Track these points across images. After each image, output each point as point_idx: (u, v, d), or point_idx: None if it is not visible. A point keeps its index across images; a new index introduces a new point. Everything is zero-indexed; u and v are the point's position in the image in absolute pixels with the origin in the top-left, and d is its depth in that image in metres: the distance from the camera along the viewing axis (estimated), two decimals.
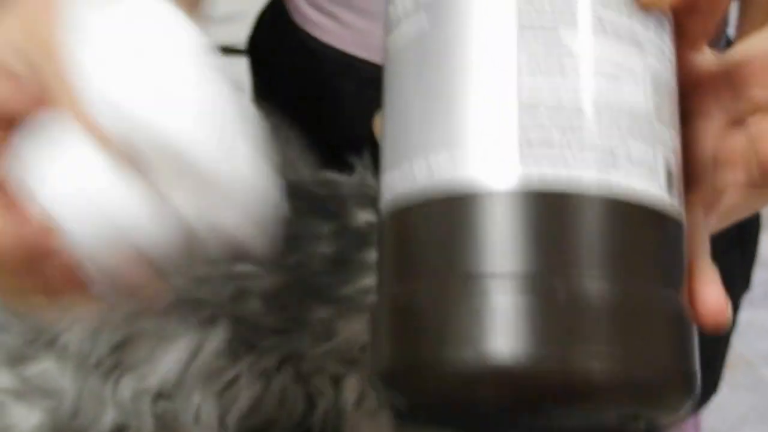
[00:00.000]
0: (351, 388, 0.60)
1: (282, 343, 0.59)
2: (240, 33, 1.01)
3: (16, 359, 0.61)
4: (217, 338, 0.58)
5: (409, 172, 0.38)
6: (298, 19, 0.87)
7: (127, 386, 0.59)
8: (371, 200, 0.60)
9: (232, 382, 0.58)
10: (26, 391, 0.61)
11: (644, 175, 0.37)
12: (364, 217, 0.60)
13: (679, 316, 0.38)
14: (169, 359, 0.58)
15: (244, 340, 0.58)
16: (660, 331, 0.37)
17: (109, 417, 0.59)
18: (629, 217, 0.37)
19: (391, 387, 0.39)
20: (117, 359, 0.59)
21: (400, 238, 0.39)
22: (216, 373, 0.58)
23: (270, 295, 0.58)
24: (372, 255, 0.58)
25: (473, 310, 0.35)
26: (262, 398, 0.59)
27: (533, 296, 0.35)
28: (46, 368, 0.60)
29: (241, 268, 0.58)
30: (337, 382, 0.60)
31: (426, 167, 0.38)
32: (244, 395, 0.58)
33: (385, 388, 0.39)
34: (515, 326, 0.35)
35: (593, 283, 0.35)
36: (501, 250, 0.35)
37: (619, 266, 0.36)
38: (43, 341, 0.60)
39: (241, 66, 0.94)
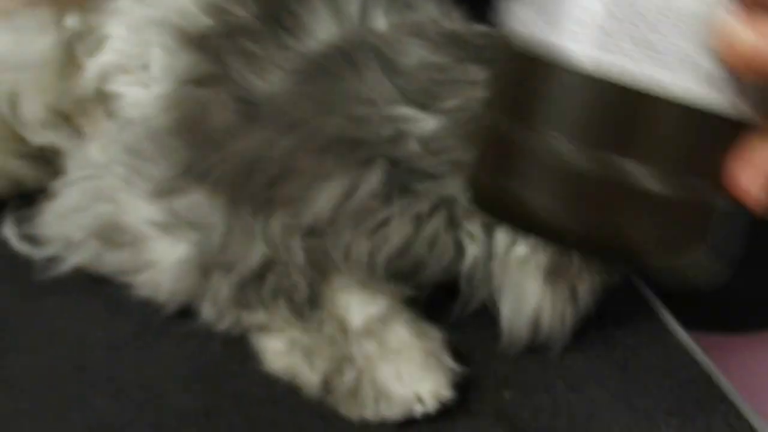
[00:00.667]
0: (503, 234, 0.60)
1: (436, 187, 0.58)
2: None
3: (165, 191, 0.62)
4: (372, 179, 0.58)
5: (527, 19, 0.42)
6: None
7: (278, 222, 0.59)
8: None
9: (384, 223, 0.58)
10: (173, 224, 0.62)
11: (709, 82, 0.40)
12: None
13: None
14: (323, 197, 0.58)
15: (399, 182, 0.58)
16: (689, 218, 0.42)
17: (258, 252, 0.59)
18: (694, 119, 0.40)
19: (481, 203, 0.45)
20: (270, 194, 0.59)
21: (505, 74, 0.44)
22: (369, 213, 0.58)
23: (428, 138, 0.58)
24: None
25: (539, 163, 0.41)
26: (413, 241, 0.59)
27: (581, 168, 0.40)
28: (195, 201, 0.61)
29: (401, 110, 0.58)
30: (489, 228, 0.60)
31: (535, 24, 0.42)
32: (395, 237, 0.58)
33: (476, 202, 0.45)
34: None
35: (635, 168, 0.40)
36: (568, 121, 0.41)
37: (667, 160, 0.41)
38: (195, 174, 0.60)
39: None
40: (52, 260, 0.65)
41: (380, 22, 0.64)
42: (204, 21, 0.65)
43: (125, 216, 0.63)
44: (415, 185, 0.58)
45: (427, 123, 0.58)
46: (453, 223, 0.60)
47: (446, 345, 0.60)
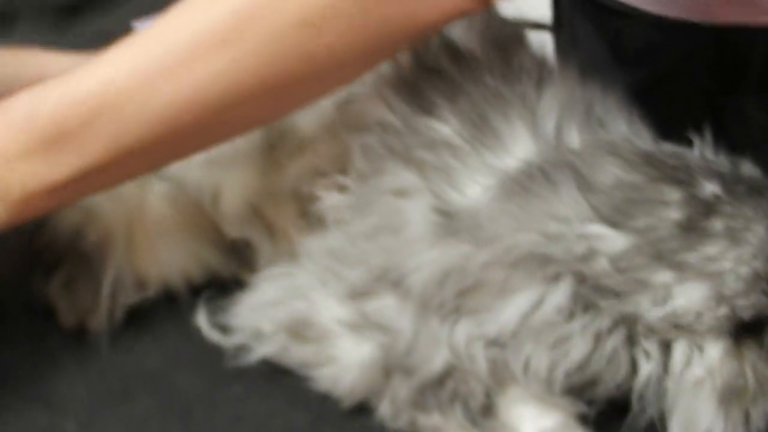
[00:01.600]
0: (680, 354, 0.60)
1: (619, 305, 0.59)
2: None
3: (358, 294, 0.65)
4: (559, 295, 0.59)
5: None
6: None
7: (464, 330, 0.61)
8: (716, 174, 0.62)
9: (566, 339, 0.60)
10: (362, 325, 0.64)
11: None
12: (710, 188, 0.61)
13: None
14: (510, 310, 0.60)
15: (584, 299, 0.59)
16: None
17: (442, 358, 0.61)
18: None
19: None
20: (459, 304, 0.61)
21: None
22: (551, 328, 0.60)
23: (617, 256, 0.59)
24: (716, 225, 0.59)
25: None
26: (592, 357, 0.60)
27: None
28: (386, 305, 0.63)
29: (593, 228, 0.59)
30: (666, 347, 0.61)
31: None
32: (575, 352, 0.60)
33: None
34: None
35: None
36: None
37: None
38: (389, 279, 0.63)
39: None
40: (241, 349, 0.69)
41: (575, 139, 0.66)
42: (406, 133, 0.68)
43: (316, 313, 0.66)
44: (599, 302, 0.60)
45: (617, 241, 0.59)
46: (631, 341, 0.60)
47: None
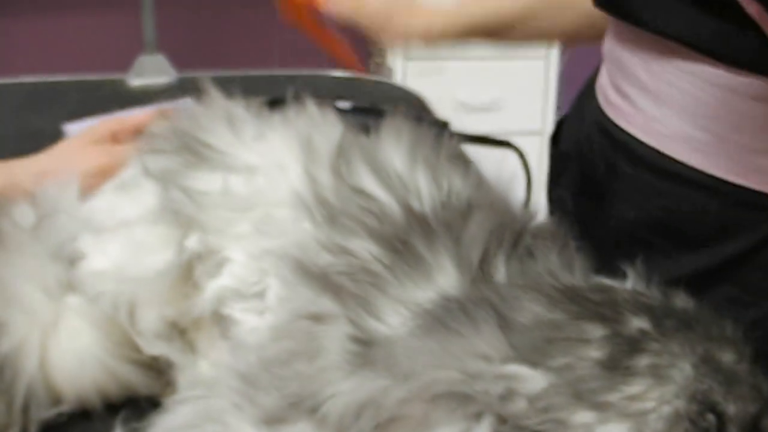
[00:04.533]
0: None
1: None
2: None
3: (273, 420, 0.64)
4: (483, 430, 0.59)
5: None
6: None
7: None
8: (645, 308, 0.61)
9: None
10: None
11: None
12: (637, 324, 0.60)
13: None
14: None
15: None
16: None
17: None
18: None
19: None
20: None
21: None
22: None
23: (536, 396, 0.59)
24: (641, 362, 0.58)
25: None
26: None
27: None
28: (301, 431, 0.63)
29: (512, 368, 0.60)
30: None
31: None
32: None
33: None
34: None
35: None
36: None
37: None
38: (304, 407, 0.63)
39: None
40: None
41: (500, 271, 0.66)
42: (325, 258, 0.68)
43: None
44: None
45: (536, 381, 0.59)
46: None
47: None
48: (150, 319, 0.74)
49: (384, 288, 0.65)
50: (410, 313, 0.63)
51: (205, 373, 0.70)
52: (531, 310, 0.61)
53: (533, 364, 0.59)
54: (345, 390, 0.62)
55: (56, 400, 0.73)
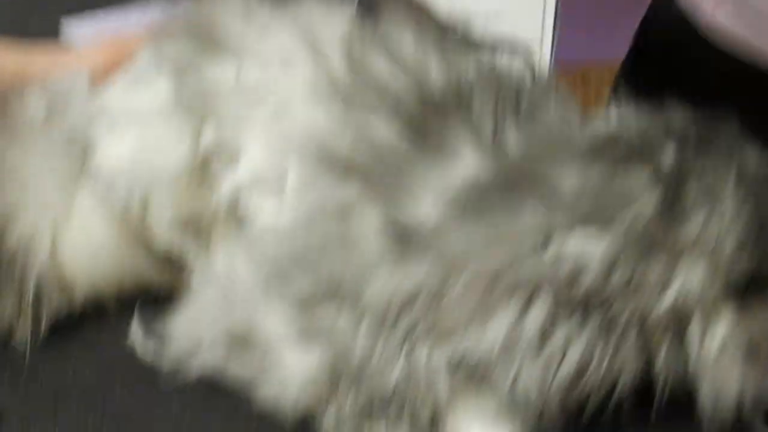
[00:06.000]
0: (694, 331, 0.60)
1: (607, 310, 0.58)
2: None
3: (306, 304, 0.64)
4: (538, 312, 0.58)
5: None
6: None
7: (428, 352, 0.61)
8: (662, 135, 0.61)
9: (554, 353, 0.59)
10: (310, 336, 0.63)
11: None
12: (669, 153, 0.60)
13: None
14: (489, 333, 0.59)
15: (569, 311, 0.58)
16: None
17: (396, 375, 0.61)
18: None
19: None
20: (426, 325, 0.60)
21: None
22: (538, 344, 0.59)
23: (598, 260, 0.58)
24: (691, 192, 0.58)
25: None
26: (586, 367, 0.59)
27: None
28: (338, 317, 0.62)
29: (570, 239, 0.58)
30: (678, 331, 0.60)
31: None
32: (566, 366, 0.59)
33: None
34: None
35: None
36: None
37: None
38: (341, 293, 0.63)
39: None
40: (178, 362, 0.67)
41: (513, 138, 0.65)
42: (345, 142, 0.67)
43: (259, 323, 0.65)
44: (588, 310, 0.58)
45: (596, 245, 0.58)
46: (642, 336, 0.59)
47: None
48: (164, 212, 0.73)
49: (411, 172, 0.64)
50: (441, 198, 0.63)
51: (223, 264, 0.69)
52: (566, 173, 0.60)
53: (592, 227, 0.58)
54: (390, 279, 0.61)
55: (68, 293, 0.72)
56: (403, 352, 0.61)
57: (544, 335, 0.58)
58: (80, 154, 0.74)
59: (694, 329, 0.59)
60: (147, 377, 0.67)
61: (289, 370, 0.64)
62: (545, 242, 0.58)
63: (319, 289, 0.63)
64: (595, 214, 0.59)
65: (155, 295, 0.72)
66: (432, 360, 0.60)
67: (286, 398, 0.64)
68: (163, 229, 0.73)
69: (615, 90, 1.05)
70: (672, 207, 0.58)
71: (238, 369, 0.66)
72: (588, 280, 0.58)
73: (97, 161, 0.73)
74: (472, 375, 0.60)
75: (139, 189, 0.73)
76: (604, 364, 0.58)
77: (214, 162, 0.73)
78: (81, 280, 0.72)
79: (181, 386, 0.66)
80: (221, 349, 0.66)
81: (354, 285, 0.62)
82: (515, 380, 0.59)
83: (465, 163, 0.64)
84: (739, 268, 0.58)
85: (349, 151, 0.67)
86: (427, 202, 0.63)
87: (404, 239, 0.62)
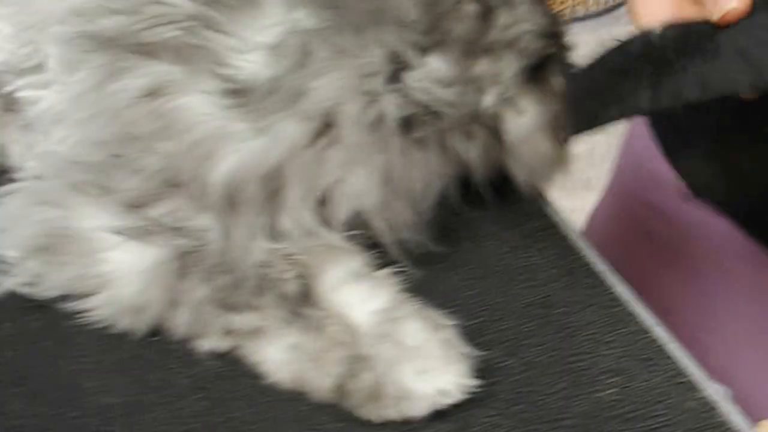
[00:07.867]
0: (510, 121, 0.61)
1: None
2: None
3: (137, 203, 0.56)
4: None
5: None
6: None
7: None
8: None
9: None
10: (148, 231, 0.56)
11: None
12: None
13: None
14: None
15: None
16: None
17: (258, 250, 0.55)
18: None
19: None
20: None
21: None
22: None
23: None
24: None
25: None
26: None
27: None
28: (178, 208, 0.56)
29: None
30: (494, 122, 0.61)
31: None
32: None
33: None
34: None
35: None
36: None
37: None
38: (176, 182, 0.56)
39: None
40: None
41: None
42: (114, 17, 0.58)
43: (75, 224, 0.56)
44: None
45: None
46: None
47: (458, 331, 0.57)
48: None
49: (225, 30, 0.57)
50: (266, 51, 0.56)
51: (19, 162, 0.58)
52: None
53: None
54: (236, 153, 0.55)
55: None
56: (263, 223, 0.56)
57: None
58: None
59: (508, 116, 0.61)
60: None
61: (119, 273, 0.56)
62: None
63: (153, 184, 0.55)
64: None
65: None
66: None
67: (124, 303, 0.56)
68: None
69: None
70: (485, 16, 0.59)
71: (58, 284, 0.57)
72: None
73: None
74: None
75: None
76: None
77: None
78: None
79: None
80: (32, 264, 0.56)
81: (194, 170, 0.55)
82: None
83: (276, 18, 0.57)
84: (538, 54, 0.61)
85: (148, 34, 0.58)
86: (254, 58, 0.56)
87: (246, 101, 0.55)
